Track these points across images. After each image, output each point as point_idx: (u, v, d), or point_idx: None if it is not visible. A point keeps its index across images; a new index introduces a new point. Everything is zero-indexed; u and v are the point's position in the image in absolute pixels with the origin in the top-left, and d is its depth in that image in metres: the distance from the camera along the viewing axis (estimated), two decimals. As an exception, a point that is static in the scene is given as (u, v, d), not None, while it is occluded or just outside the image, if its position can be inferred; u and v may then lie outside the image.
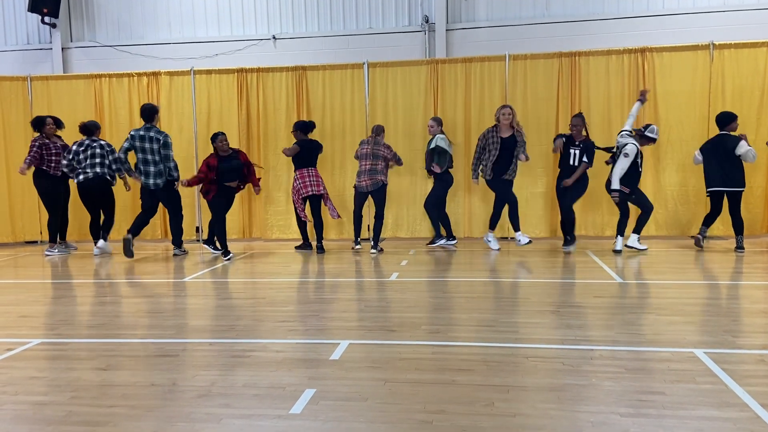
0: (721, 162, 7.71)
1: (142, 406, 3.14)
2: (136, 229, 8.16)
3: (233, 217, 10.06)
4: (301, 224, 8.63)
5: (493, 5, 10.09)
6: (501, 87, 9.32)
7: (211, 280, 6.72)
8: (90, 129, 8.59)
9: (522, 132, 7.96)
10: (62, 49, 10.97)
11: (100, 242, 8.61)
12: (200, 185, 8.10)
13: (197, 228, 10.13)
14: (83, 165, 8.43)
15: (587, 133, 8.01)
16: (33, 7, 10.33)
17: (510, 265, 7.24)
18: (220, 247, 8.08)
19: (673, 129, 8.96)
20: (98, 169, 8.40)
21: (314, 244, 8.61)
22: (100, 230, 8.75)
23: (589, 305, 5.08)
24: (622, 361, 3.66)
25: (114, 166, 8.49)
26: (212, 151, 7.99)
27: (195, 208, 10.10)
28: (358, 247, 8.52)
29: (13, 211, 9.96)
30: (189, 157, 10.01)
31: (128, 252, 7.95)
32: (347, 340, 4.20)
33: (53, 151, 8.70)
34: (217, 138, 7.76)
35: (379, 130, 8.30)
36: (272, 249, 9.02)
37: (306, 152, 8.34)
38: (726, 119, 7.85)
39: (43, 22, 10.67)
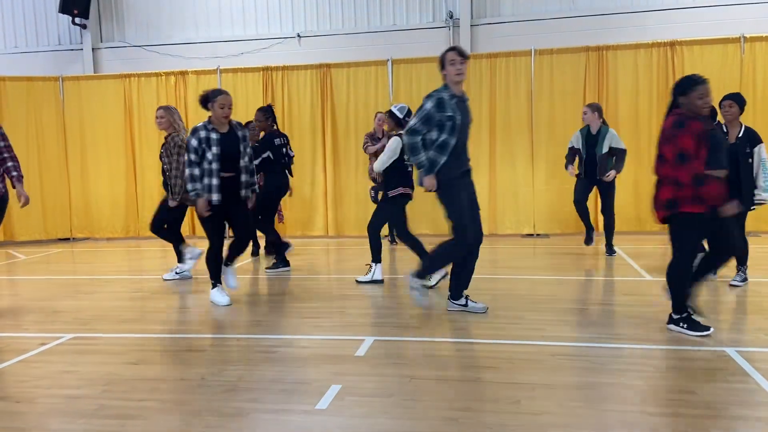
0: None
1: (172, 400, 3.20)
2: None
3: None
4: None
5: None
6: (527, 82, 9.23)
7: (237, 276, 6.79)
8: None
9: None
10: (92, 49, 11.17)
11: None
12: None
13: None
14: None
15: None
16: (64, 9, 10.53)
17: (536, 262, 7.18)
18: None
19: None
20: None
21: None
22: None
23: (617, 303, 5.02)
24: (651, 360, 3.61)
25: None
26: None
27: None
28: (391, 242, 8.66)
29: (45, 209, 10.18)
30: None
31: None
32: (372, 336, 4.22)
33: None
34: None
35: None
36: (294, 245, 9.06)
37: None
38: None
39: (73, 23, 10.87)
